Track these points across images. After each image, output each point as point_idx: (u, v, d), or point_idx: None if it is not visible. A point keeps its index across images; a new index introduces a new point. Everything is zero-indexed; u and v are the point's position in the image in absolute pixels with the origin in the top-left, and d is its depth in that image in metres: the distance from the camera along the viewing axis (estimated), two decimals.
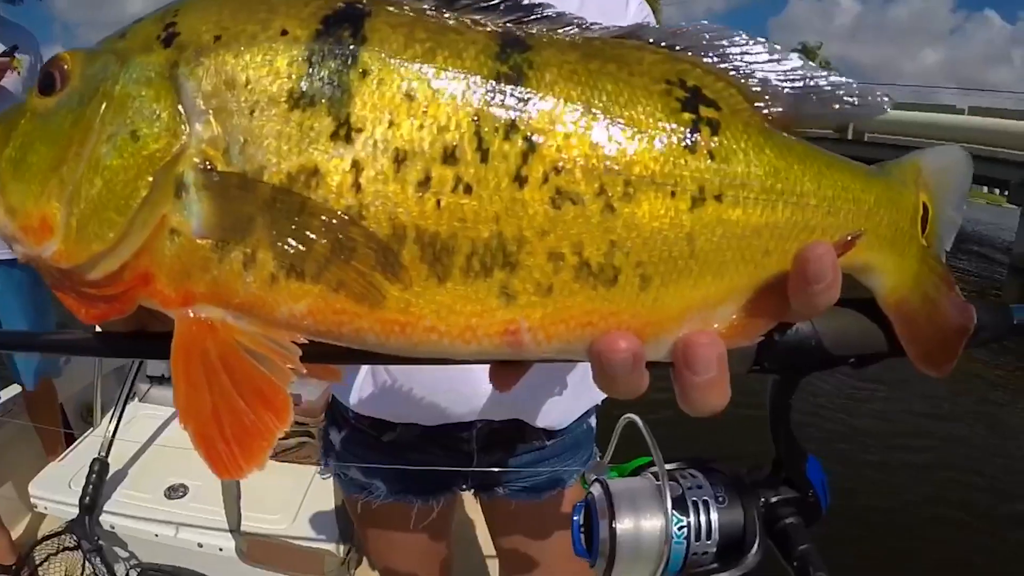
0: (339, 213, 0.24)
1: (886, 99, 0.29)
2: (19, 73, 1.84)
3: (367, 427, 0.87)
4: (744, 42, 0.28)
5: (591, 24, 0.28)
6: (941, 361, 0.34)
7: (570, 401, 0.86)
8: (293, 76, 0.24)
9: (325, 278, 0.24)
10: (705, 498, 0.40)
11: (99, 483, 1.57)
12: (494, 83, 0.25)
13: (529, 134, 0.24)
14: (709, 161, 0.26)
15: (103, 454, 1.58)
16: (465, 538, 1.77)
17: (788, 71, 0.28)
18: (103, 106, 0.25)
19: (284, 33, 0.25)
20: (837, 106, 0.28)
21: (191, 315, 0.26)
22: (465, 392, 0.78)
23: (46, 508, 1.66)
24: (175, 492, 1.64)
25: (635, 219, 0.25)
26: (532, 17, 0.27)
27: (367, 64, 0.24)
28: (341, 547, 1.54)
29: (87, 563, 1.53)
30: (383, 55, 0.25)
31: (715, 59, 0.27)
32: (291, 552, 1.55)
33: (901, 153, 0.36)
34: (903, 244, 0.33)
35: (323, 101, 0.24)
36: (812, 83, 0.28)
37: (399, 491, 0.90)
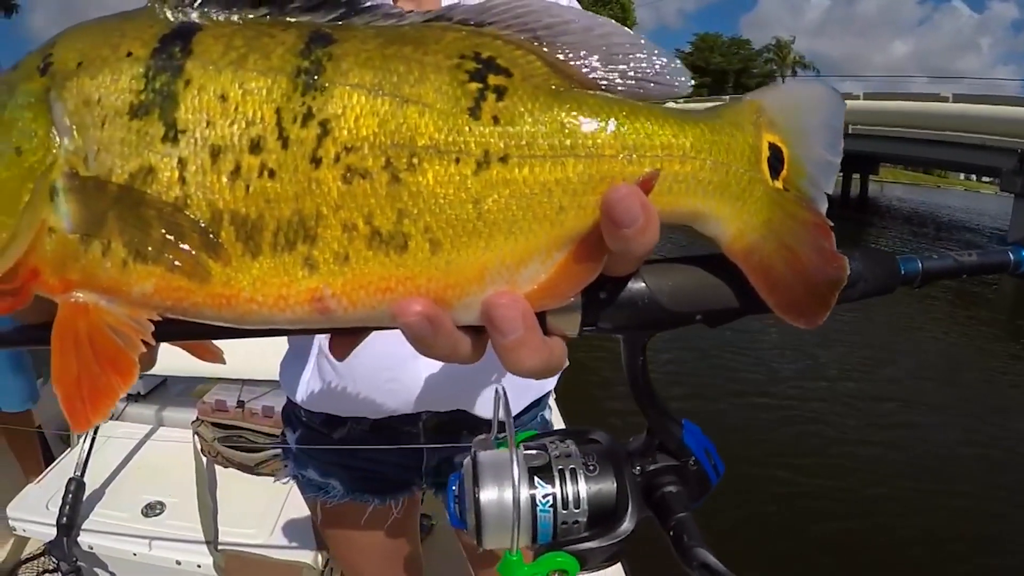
0: (169, 203, 0.28)
1: (687, 83, 0.30)
2: None
3: (318, 425, 0.89)
4: (555, 13, 0.30)
5: (408, 12, 0.31)
6: (808, 312, 0.33)
7: (512, 391, 0.87)
8: (133, 90, 0.29)
9: (163, 260, 0.29)
10: (573, 467, 0.39)
11: (75, 503, 1.57)
12: (295, 78, 0.28)
13: (323, 120, 0.28)
14: (493, 126, 0.28)
15: (78, 473, 1.58)
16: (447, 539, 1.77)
17: (598, 37, 0.30)
18: None
19: (129, 55, 0.29)
20: (633, 82, 0.30)
21: (71, 300, 0.30)
22: (405, 382, 0.81)
23: (25, 530, 1.66)
24: (152, 510, 1.64)
25: (420, 187, 0.28)
26: (352, 12, 0.30)
27: (190, 74, 0.29)
28: (319, 558, 1.55)
29: None
30: (203, 64, 0.29)
31: (520, 30, 0.30)
32: (269, 565, 1.55)
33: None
34: (740, 189, 0.32)
35: (156, 110, 0.28)
36: (617, 54, 0.30)
37: (356, 490, 0.92)
